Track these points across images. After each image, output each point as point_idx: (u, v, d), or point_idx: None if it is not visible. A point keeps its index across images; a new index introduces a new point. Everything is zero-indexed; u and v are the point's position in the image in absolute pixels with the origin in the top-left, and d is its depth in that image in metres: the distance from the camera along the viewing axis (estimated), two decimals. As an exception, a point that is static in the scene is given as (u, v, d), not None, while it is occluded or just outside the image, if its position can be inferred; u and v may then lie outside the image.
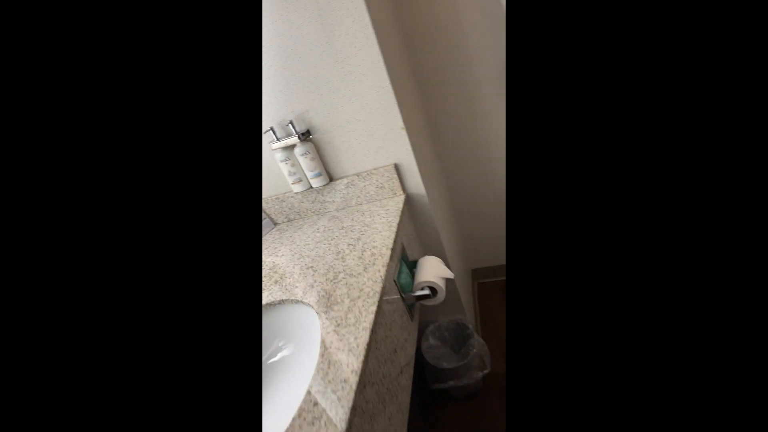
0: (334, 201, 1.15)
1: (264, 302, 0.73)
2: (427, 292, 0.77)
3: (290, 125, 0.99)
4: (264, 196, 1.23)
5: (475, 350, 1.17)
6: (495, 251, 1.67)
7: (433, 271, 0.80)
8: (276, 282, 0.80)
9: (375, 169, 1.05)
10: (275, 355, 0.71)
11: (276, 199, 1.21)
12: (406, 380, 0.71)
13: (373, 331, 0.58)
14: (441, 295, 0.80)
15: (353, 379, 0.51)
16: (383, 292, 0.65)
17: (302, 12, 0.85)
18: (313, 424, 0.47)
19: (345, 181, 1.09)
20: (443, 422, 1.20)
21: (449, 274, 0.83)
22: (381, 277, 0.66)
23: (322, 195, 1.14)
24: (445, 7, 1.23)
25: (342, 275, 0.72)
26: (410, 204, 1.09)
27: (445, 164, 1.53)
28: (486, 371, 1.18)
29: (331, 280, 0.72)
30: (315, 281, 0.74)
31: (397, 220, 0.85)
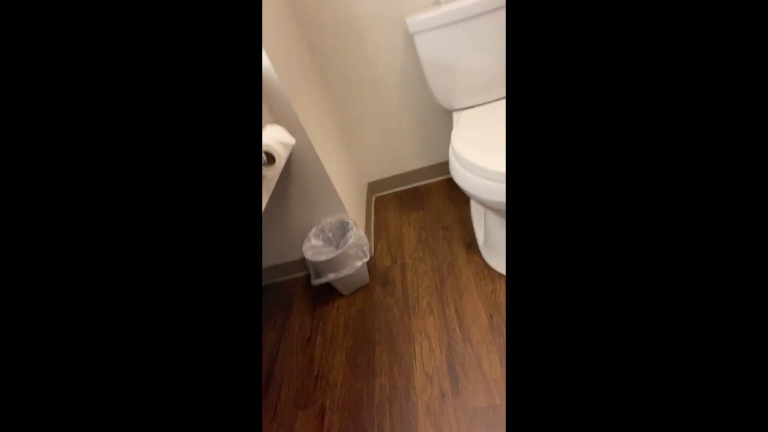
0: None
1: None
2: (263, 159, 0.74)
3: None
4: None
5: (352, 240, 1.21)
6: (388, 163, 1.71)
7: (270, 135, 0.76)
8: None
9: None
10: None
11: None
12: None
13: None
14: (280, 162, 0.78)
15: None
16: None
17: None
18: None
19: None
20: (331, 318, 1.25)
21: (290, 140, 0.81)
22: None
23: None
24: None
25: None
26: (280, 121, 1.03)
27: (327, 81, 1.47)
28: (365, 259, 1.23)
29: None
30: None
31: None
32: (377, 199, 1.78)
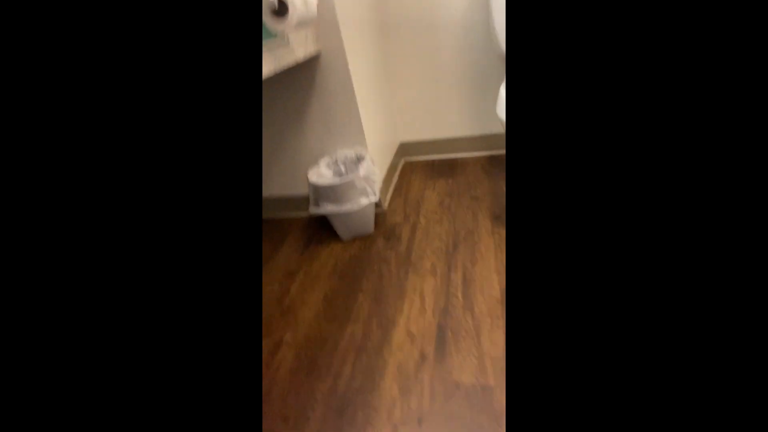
0: None
1: None
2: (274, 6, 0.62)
3: None
4: None
5: (362, 172, 1.06)
6: (428, 124, 1.55)
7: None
8: None
9: None
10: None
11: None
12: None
13: None
14: (294, 15, 0.65)
15: None
16: None
17: None
18: None
19: None
20: (320, 258, 1.10)
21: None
22: None
23: None
24: None
25: None
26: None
27: (381, 12, 1.36)
28: (372, 199, 1.08)
29: None
30: None
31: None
32: (406, 163, 1.63)
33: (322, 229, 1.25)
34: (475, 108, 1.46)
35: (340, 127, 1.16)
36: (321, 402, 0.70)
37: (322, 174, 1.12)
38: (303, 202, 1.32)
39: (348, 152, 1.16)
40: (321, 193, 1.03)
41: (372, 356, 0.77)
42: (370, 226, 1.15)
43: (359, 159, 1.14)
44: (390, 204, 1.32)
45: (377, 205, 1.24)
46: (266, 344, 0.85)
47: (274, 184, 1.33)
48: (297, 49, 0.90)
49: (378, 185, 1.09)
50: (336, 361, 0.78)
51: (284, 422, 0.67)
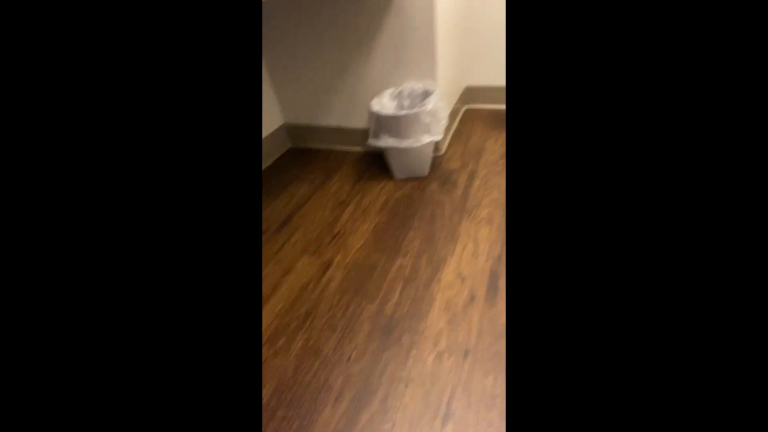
0: None
1: None
2: None
3: None
4: None
5: (430, 106, 1.00)
6: (498, 68, 1.43)
7: None
8: None
9: None
10: None
11: None
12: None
13: None
14: None
15: None
16: None
17: None
18: None
19: None
20: (372, 192, 1.09)
21: None
22: None
23: None
24: None
25: None
26: None
27: None
28: (435, 138, 1.03)
29: None
30: None
31: None
32: (468, 110, 1.53)
33: (375, 165, 1.23)
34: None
35: (413, 57, 1.07)
36: (368, 320, 0.72)
37: (385, 105, 1.07)
38: (359, 135, 1.29)
39: (416, 85, 1.09)
40: (383, 124, 0.99)
41: (420, 289, 0.77)
42: (426, 168, 1.11)
43: (426, 94, 1.07)
44: (448, 150, 1.26)
45: (434, 149, 1.18)
46: (316, 262, 0.88)
47: (332, 114, 1.30)
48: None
49: (443, 124, 1.03)
50: (384, 287, 0.79)
51: (332, 331, 0.71)
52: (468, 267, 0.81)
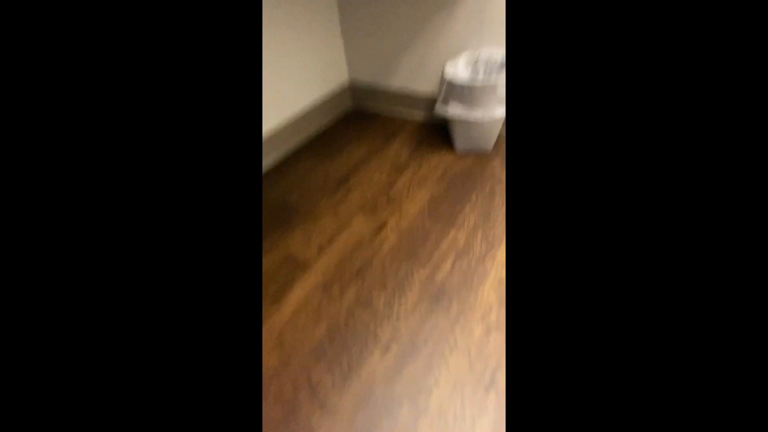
0: None
1: None
2: None
3: None
4: None
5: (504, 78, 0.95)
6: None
7: None
8: None
9: None
10: None
11: None
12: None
13: None
14: None
15: None
16: None
17: None
18: None
19: None
20: (430, 162, 1.08)
21: None
22: None
23: None
24: None
25: None
26: None
27: None
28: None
29: None
30: None
31: None
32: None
33: (436, 135, 1.20)
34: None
35: (495, 20, 1.01)
36: (418, 283, 0.74)
37: (459, 72, 1.02)
38: (423, 102, 1.26)
39: (496, 53, 1.02)
40: (455, 92, 0.96)
41: (473, 263, 0.77)
42: (490, 144, 1.07)
43: (503, 64, 1.01)
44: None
45: (503, 124, 1.13)
46: (372, 221, 0.90)
47: (397, 76, 1.27)
48: None
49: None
50: (436, 256, 0.80)
51: (382, 288, 0.74)
52: (524, 249, 0.79)
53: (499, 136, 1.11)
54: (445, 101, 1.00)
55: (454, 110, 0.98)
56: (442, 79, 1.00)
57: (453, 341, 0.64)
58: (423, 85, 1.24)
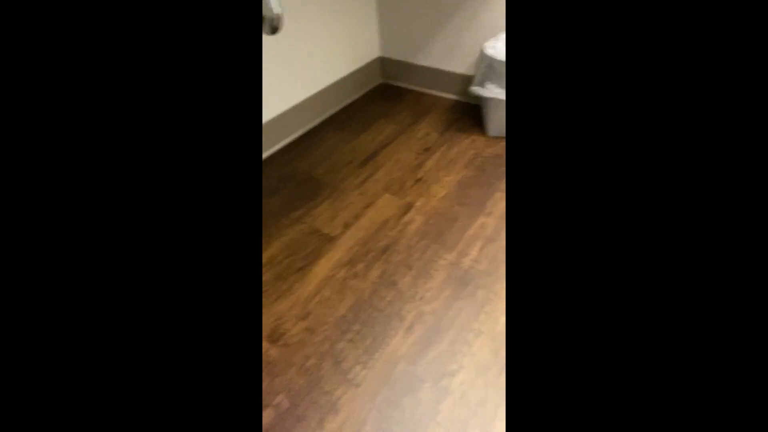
0: None
1: None
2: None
3: None
4: None
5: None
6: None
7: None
8: None
9: None
10: None
11: None
12: None
13: None
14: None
15: None
16: None
17: None
18: None
19: None
20: (460, 145, 1.05)
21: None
22: None
23: None
24: None
25: None
26: None
27: None
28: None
29: None
30: None
31: None
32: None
33: (467, 117, 1.16)
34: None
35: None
36: (444, 268, 0.74)
37: (500, 50, 0.97)
38: (456, 82, 1.21)
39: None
40: (494, 70, 0.92)
41: (501, 251, 0.76)
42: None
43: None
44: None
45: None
46: (397, 202, 0.89)
47: (431, 54, 1.22)
48: None
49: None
50: (463, 241, 0.79)
51: (408, 269, 0.74)
52: (554, 240, 0.77)
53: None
54: (482, 82, 0.96)
55: (490, 91, 0.93)
56: (480, 59, 0.95)
57: (477, 328, 0.63)
58: (458, 64, 1.19)
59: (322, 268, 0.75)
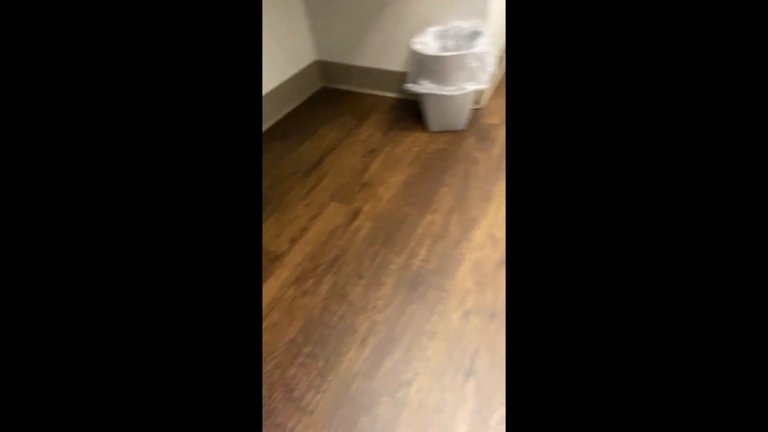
0: None
1: None
2: None
3: None
4: None
5: (478, 50, 0.90)
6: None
7: None
8: None
9: None
10: None
11: None
12: None
13: None
14: None
15: None
16: None
17: None
18: None
19: None
20: (404, 143, 1.04)
21: None
22: None
23: None
24: None
25: None
26: None
27: None
28: (479, 87, 0.94)
29: None
30: None
31: None
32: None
33: (409, 114, 1.15)
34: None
35: (463, -11, 0.95)
36: (395, 272, 0.72)
37: (428, 45, 0.97)
38: (395, 79, 1.20)
39: (464, 25, 0.97)
40: (424, 65, 0.91)
41: (449, 247, 0.76)
42: (463, 121, 1.04)
43: (474, 35, 0.96)
44: (489, 103, 1.17)
45: (475, 101, 1.09)
46: (345, 210, 0.87)
47: (369, 53, 1.20)
48: None
49: (490, 71, 0.94)
50: (412, 242, 0.78)
51: (359, 278, 0.71)
52: (501, 229, 0.78)
53: (472, 113, 1.08)
54: (415, 78, 0.95)
55: (424, 87, 0.93)
56: (410, 55, 0.95)
57: (431, 330, 0.63)
58: (393, 62, 1.18)
59: (270, 289, 0.72)
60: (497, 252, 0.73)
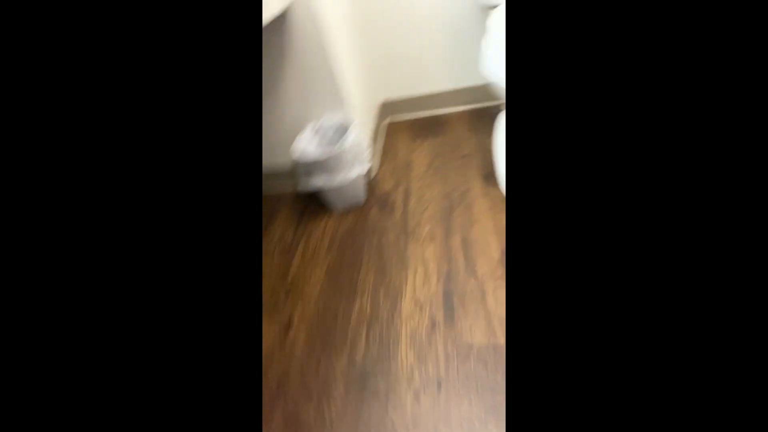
0: None
1: None
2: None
3: None
4: None
5: (349, 142, 1.01)
6: (409, 80, 1.48)
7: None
8: None
9: None
10: None
11: None
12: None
13: None
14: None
15: None
16: None
17: None
18: None
19: None
20: (316, 232, 1.09)
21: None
22: None
23: None
24: None
25: None
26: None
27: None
28: (363, 169, 1.04)
29: None
30: None
31: None
32: (390, 125, 1.57)
33: (312, 202, 1.21)
34: (456, 57, 1.39)
35: (318, 91, 1.07)
36: (342, 376, 0.73)
37: (309, 143, 1.06)
38: (287, 175, 1.26)
39: (333, 118, 1.09)
40: (309, 167, 0.99)
41: (384, 327, 0.80)
42: (362, 195, 1.13)
43: (343, 127, 1.08)
44: (380, 171, 1.29)
45: (366, 174, 1.20)
46: (276, 325, 0.86)
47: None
48: (271, 2, 0.80)
49: (368, 153, 1.05)
50: (350, 334, 0.80)
51: (308, 398, 0.70)
52: (422, 292, 0.85)
53: (367, 184, 1.18)
54: (306, 177, 1.02)
55: (316, 182, 1.00)
56: (295, 161, 1.02)
57: (390, 425, 0.64)
58: (285, 157, 1.25)
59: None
60: (426, 316, 0.79)
